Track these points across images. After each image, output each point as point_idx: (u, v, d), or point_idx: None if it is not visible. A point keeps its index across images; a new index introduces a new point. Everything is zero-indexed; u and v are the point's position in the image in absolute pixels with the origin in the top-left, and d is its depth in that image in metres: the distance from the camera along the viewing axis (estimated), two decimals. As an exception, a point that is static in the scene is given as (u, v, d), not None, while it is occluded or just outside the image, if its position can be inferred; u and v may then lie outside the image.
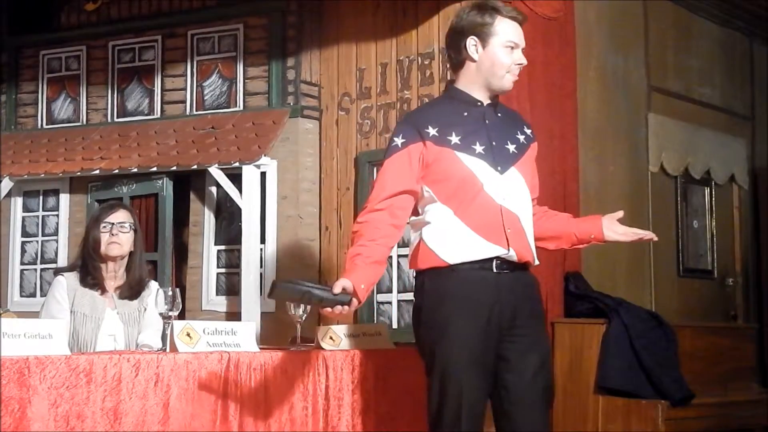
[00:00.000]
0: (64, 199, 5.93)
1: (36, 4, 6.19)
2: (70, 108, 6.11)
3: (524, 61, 3.12)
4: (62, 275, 3.95)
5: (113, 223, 3.90)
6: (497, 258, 2.96)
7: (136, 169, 5.54)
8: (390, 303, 4.94)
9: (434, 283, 2.98)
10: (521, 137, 3.12)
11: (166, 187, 5.56)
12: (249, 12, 5.62)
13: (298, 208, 5.35)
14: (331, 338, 3.62)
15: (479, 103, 3.07)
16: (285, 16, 5.54)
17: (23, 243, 6.03)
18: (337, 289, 2.84)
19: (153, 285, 4.03)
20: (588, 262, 5.11)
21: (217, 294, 5.51)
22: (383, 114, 5.24)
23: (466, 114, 3.05)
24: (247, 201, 5.26)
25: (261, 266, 5.29)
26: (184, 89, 5.77)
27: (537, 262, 3.11)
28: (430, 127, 3.01)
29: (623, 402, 4.47)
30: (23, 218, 6.05)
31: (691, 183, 6.19)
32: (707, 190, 6.34)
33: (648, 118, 5.82)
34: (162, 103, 5.83)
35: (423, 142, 2.99)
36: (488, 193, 2.96)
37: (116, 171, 5.59)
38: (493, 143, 3.02)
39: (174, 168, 5.47)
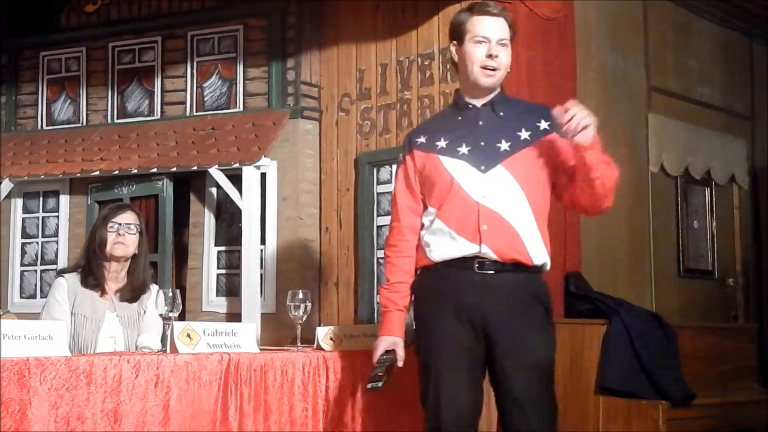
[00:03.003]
0: (64, 200, 5.93)
1: (36, 6, 6.19)
2: (70, 109, 6.11)
3: (495, 53, 3.06)
4: (63, 277, 3.95)
5: (120, 224, 3.91)
6: (478, 257, 2.98)
7: (136, 171, 5.54)
8: (390, 304, 4.93)
9: (421, 280, 3.13)
10: (526, 133, 3.09)
11: (166, 188, 5.56)
12: (249, 13, 5.62)
13: (298, 209, 5.35)
14: (331, 339, 3.62)
15: (471, 106, 3.12)
16: (285, 17, 5.54)
17: (23, 244, 6.03)
18: (389, 351, 3.12)
19: (153, 287, 4.03)
20: (588, 262, 5.11)
21: (217, 295, 5.51)
22: (383, 115, 5.24)
23: (460, 118, 3.13)
24: (247, 202, 5.26)
25: (261, 267, 5.29)
26: (184, 90, 5.77)
27: (538, 262, 3.05)
28: (421, 137, 3.17)
29: (624, 402, 4.47)
30: (23, 219, 6.05)
31: (691, 183, 6.19)
32: (707, 191, 6.34)
33: (648, 118, 5.82)
34: (162, 104, 5.83)
35: (411, 150, 3.16)
36: (466, 191, 3.01)
37: (116, 172, 5.59)
38: (482, 143, 3.05)
39: (174, 169, 5.47)
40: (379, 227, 5.02)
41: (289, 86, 5.49)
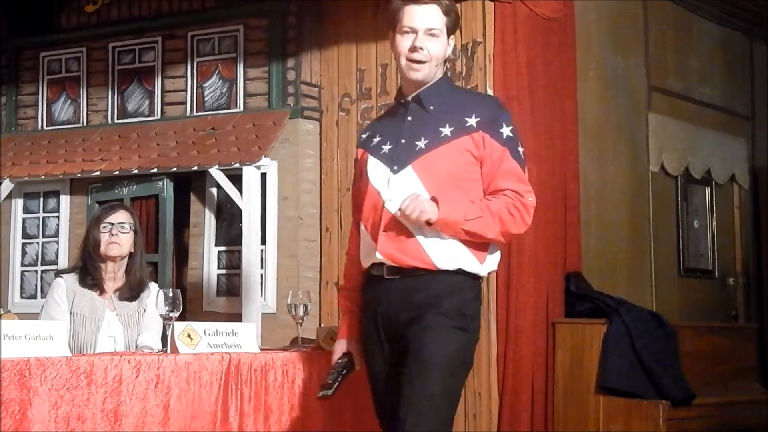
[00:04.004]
0: (65, 200, 5.93)
1: (36, 6, 6.19)
2: (71, 109, 6.11)
3: (420, 45, 2.86)
4: (62, 277, 3.95)
5: (113, 224, 3.91)
6: (384, 263, 2.88)
7: (136, 171, 5.54)
8: (390, 304, 4.93)
9: (361, 286, 3.08)
10: (448, 129, 2.85)
11: (166, 189, 5.56)
12: (249, 13, 5.62)
13: (298, 209, 5.34)
14: (331, 339, 3.62)
15: (401, 100, 2.98)
16: (285, 17, 5.53)
17: (24, 244, 6.03)
18: (345, 355, 3.09)
19: (153, 286, 4.03)
20: (588, 262, 5.11)
21: (217, 295, 5.51)
22: (383, 115, 5.23)
23: (396, 113, 3.00)
24: (248, 202, 5.26)
25: (261, 267, 5.29)
26: (185, 90, 5.77)
27: (447, 267, 2.83)
28: (367, 132, 3.10)
29: (624, 402, 4.47)
30: (24, 220, 6.04)
31: (691, 183, 6.19)
32: (708, 190, 6.34)
33: (648, 118, 5.82)
34: (162, 104, 5.83)
35: (358, 149, 3.11)
36: (378, 194, 2.90)
37: (117, 172, 5.59)
38: (403, 141, 2.89)
39: (174, 169, 5.46)
40: (380, 227, 5.01)
41: (289, 86, 5.48)
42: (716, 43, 6.52)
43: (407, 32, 2.88)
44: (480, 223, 2.81)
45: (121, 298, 3.94)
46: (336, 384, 3.01)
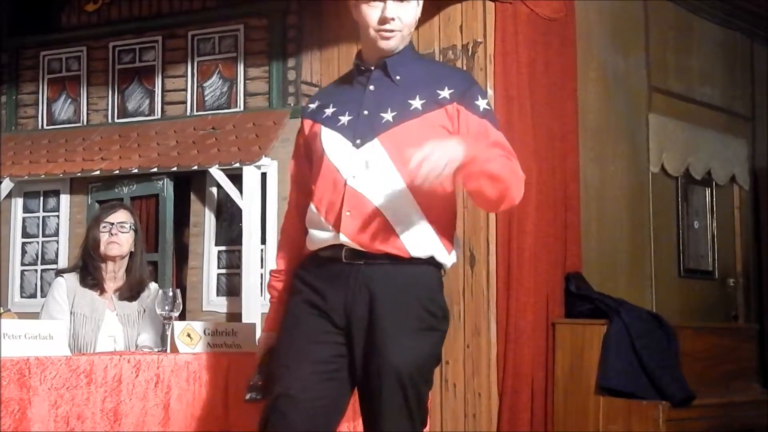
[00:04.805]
0: (65, 199, 5.92)
1: (36, 5, 6.18)
2: (71, 109, 6.11)
3: (391, 15, 2.63)
4: (62, 276, 3.95)
5: (113, 223, 3.91)
6: (346, 246, 2.56)
7: (136, 170, 5.54)
8: (390, 304, 4.93)
9: (297, 272, 2.71)
10: (419, 102, 2.60)
11: (166, 188, 5.55)
12: (249, 13, 5.61)
13: (298, 209, 5.34)
14: (331, 339, 3.62)
15: (363, 68, 2.69)
16: (285, 16, 5.53)
17: (24, 244, 6.02)
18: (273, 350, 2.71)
19: (153, 286, 4.03)
20: (589, 262, 5.11)
21: (217, 295, 5.50)
22: (384, 114, 5.23)
23: (354, 82, 2.71)
24: (248, 202, 5.25)
25: (262, 267, 5.28)
26: (185, 90, 5.76)
27: (419, 254, 2.57)
28: (315, 102, 2.77)
29: (624, 402, 4.47)
30: (24, 219, 6.04)
31: (691, 183, 6.19)
32: (708, 191, 6.34)
33: (648, 119, 5.82)
34: (162, 103, 5.82)
35: (302, 120, 2.77)
36: (337, 169, 2.59)
37: (117, 172, 5.59)
38: (365, 112, 2.61)
39: (174, 169, 5.46)
40: (380, 227, 5.01)
41: (289, 86, 5.48)
42: (717, 44, 6.52)
43: (374, 3, 2.65)
44: (502, 164, 2.51)
45: (121, 298, 3.94)
46: (266, 385, 2.70)
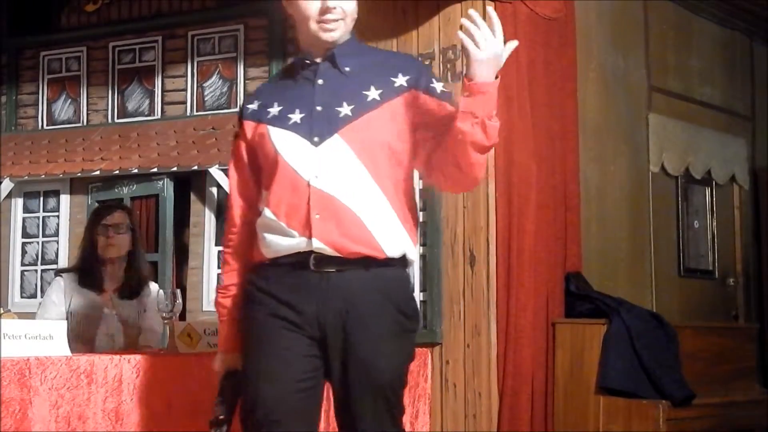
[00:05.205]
0: (65, 200, 5.93)
1: (36, 5, 6.19)
2: (71, 109, 6.11)
3: (332, 5, 2.49)
4: (60, 276, 3.96)
5: (109, 226, 3.90)
6: (314, 252, 2.41)
7: (136, 170, 5.54)
8: (391, 303, 4.94)
9: (250, 279, 2.53)
10: (375, 92, 2.47)
11: (166, 188, 5.56)
12: (249, 13, 5.62)
13: (298, 209, 5.34)
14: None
15: (308, 61, 2.53)
16: (285, 16, 5.52)
17: (24, 244, 6.03)
18: (231, 374, 2.58)
19: (153, 286, 4.03)
20: (589, 262, 5.10)
21: (217, 295, 5.50)
22: (384, 114, 5.22)
23: (297, 77, 2.55)
24: (248, 202, 5.26)
25: (261, 267, 5.28)
26: (185, 90, 5.77)
27: (393, 254, 2.46)
28: (254, 103, 2.59)
29: (624, 402, 4.47)
30: (24, 219, 6.05)
31: (691, 183, 6.19)
32: (708, 190, 6.33)
33: (648, 118, 5.81)
34: (162, 103, 5.83)
35: (242, 121, 2.60)
36: (295, 170, 2.43)
37: (117, 172, 5.59)
38: (318, 107, 2.46)
39: (174, 169, 5.47)
40: (380, 227, 5.01)
41: (289, 86, 5.48)
42: (717, 44, 6.51)
43: None
44: (497, 126, 2.46)
45: (121, 297, 3.94)
46: (230, 416, 2.55)
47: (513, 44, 2.36)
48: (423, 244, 4.83)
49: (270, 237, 2.46)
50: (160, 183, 5.56)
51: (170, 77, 5.81)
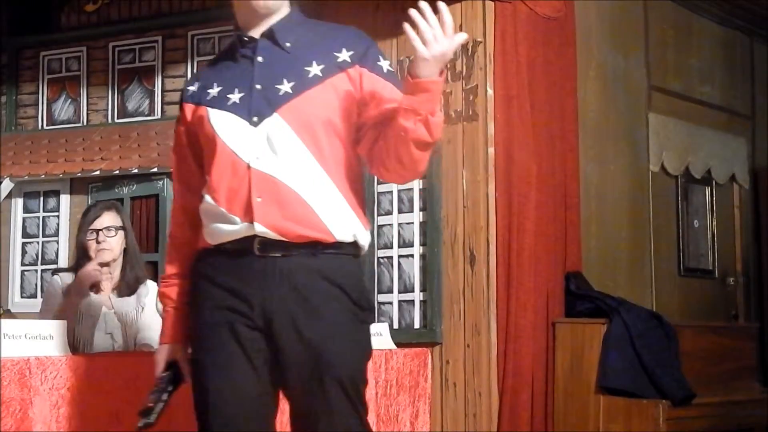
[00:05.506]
0: (65, 200, 5.92)
1: (36, 5, 6.18)
2: (71, 109, 6.11)
3: None
4: (58, 276, 3.95)
5: (99, 230, 3.87)
6: (258, 237, 2.27)
7: (136, 170, 5.54)
8: (391, 303, 4.94)
9: (195, 267, 2.43)
10: (317, 68, 2.33)
11: (166, 188, 5.55)
12: (249, 12, 5.61)
13: (298, 209, 5.34)
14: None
15: (246, 38, 2.40)
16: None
17: (24, 244, 6.03)
18: (171, 365, 2.45)
19: (151, 285, 4.02)
20: (589, 261, 5.11)
21: (217, 294, 5.51)
22: (383, 114, 5.22)
23: (237, 56, 2.41)
24: (248, 201, 5.26)
25: (261, 266, 5.28)
26: (185, 90, 5.77)
27: (343, 238, 2.31)
28: (194, 84, 2.47)
29: (624, 402, 4.47)
30: (24, 219, 6.04)
31: (691, 182, 6.19)
32: (708, 190, 6.34)
33: (648, 118, 5.82)
34: (162, 103, 5.82)
35: (182, 104, 2.48)
36: (235, 152, 2.30)
37: (117, 172, 5.59)
38: (258, 86, 2.33)
39: (174, 168, 5.46)
40: (380, 227, 5.01)
41: (289, 86, 5.48)
42: (717, 43, 6.52)
43: None
44: (440, 123, 2.29)
45: (120, 295, 3.94)
46: (159, 407, 2.42)
47: (461, 37, 2.25)
48: (423, 244, 4.84)
49: (212, 223, 2.35)
50: (160, 183, 5.56)
51: (170, 77, 5.81)
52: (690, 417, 4.52)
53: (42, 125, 6.17)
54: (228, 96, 2.35)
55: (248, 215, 2.27)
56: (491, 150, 4.66)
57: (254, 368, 2.28)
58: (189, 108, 2.44)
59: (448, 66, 4.92)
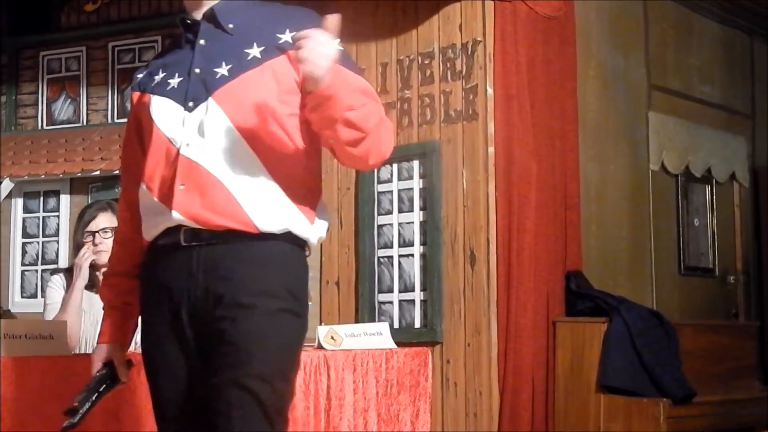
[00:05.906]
0: (65, 200, 5.93)
1: (36, 5, 6.19)
2: (71, 109, 6.11)
3: None
4: (58, 275, 3.95)
5: (94, 232, 3.87)
6: (183, 227, 2.15)
7: (136, 170, 5.54)
8: (391, 303, 4.95)
9: (142, 265, 2.31)
10: (257, 50, 2.20)
11: (166, 188, 5.56)
12: (249, 12, 5.62)
13: (298, 208, 5.34)
14: (332, 338, 3.63)
15: (188, 21, 2.28)
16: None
17: (24, 244, 6.03)
18: (106, 365, 2.36)
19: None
20: (589, 260, 5.11)
21: (218, 294, 5.51)
22: (383, 113, 5.23)
23: (183, 40, 2.30)
24: (248, 201, 5.26)
25: (262, 266, 5.28)
26: (185, 89, 5.77)
27: (269, 228, 2.15)
28: (144, 72, 2.37)
29: (624, 400, 4.47)
30: (24, 219, 6.05)
31: (691, 181, 6.19)
32: (708, 189, 6.34)
33: (648, 117, 5.82)
34: (162, 103, 5.83)
35: (132, 94, 2.39)
36: (169, 139, 2.19)
37: (116, 172, 5.59)
38: (196, 70, 2.21)
39: (174, 168, 5.47)
40: (380, 226, 5.02)
41: (289, 85, 5.48)
42: (717, 42, 6.52)
43: None
44: (368, 112, 2.14)
45: (119, 294, 3.93)
46: (86, 407, 2.33)
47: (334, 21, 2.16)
48: (423, 243, 4.84)
49: (146, 215, 2.24)
50: (160, 182, 5.57)
51: (170, 77, 5.81)
52: (690, 416, 4.52)
53: (42, 125, 6.18)
54: (169, 81, 2.25)
55: (169, 203, 2.16)
56: (491, 149, 4.66)
57: (188, 360, 2.18)
58: (135, 96, 2.35)
59: (449, 65, 4.93)
